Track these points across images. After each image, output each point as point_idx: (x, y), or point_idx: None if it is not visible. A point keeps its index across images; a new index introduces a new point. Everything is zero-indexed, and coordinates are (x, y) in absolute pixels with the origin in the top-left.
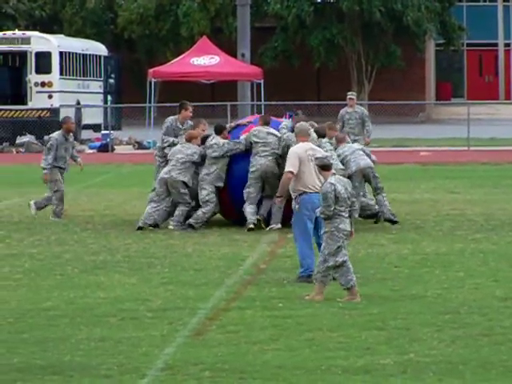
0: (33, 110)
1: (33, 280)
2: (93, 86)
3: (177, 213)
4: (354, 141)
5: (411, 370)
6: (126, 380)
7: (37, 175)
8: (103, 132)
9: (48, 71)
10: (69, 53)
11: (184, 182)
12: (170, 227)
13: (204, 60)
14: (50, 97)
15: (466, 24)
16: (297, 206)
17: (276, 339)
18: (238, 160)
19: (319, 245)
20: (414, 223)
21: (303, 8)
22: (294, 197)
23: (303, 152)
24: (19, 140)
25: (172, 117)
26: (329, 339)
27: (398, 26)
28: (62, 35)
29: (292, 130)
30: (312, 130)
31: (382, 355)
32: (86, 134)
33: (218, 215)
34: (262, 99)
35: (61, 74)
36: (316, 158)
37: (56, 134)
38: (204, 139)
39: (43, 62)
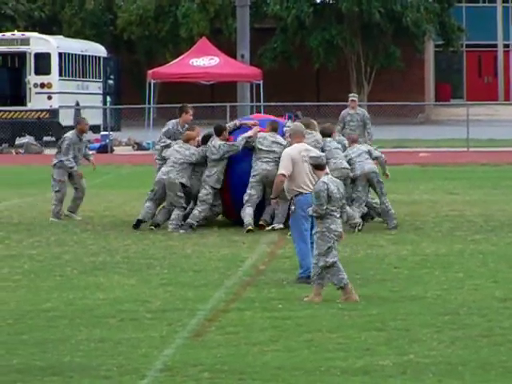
0: (32, 111)
1: (32, 281)
2: (92, 87)
3: (173, 216)
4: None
5: (411, 371)
6: (126, 381)
7: (36, 176)
8: (102, 133)
9: (47, 72)
10: (68, 54)
11: (182, 184)
12: (170, 230)
13: (203, 61)
14: (50, 98)
15: (466, 25)
16: (293, 208)
17: (275, 340)
18: (239, 160)
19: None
20: (413, 224)
21: (303, 9)
22: (289, 198)
23: (297, 153)
24: (18, 141)
25: (174, 120)
26: (328, 340)
27: (397, 27)
28: (61, 36)
29: None
30: (316, 131)
31: (381, 356)
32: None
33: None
34: (262, 100)
35: (60, 75)
36: (310, 157)
37: (70, 134)
38: (206, 140)
39: (42, 63)
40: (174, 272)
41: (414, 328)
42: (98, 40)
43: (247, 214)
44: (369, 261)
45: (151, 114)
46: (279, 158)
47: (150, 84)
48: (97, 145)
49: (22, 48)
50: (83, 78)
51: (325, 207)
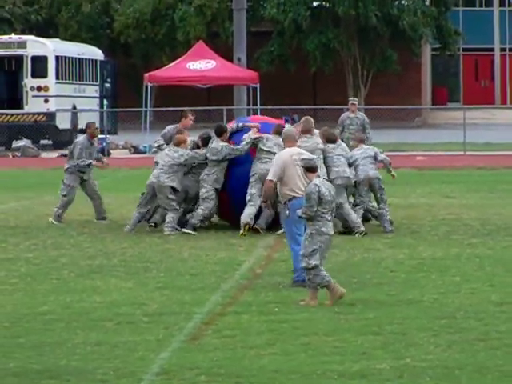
0: (29, 114)
1: (29, 284)
2: (89, 91)
3: (168, 219)
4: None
5: (407, 375)
6: None
7: (33, 179)
8: (99, 136)
9: (44, 75)
10: (65, 57)
11: (172, 187)
12: (166, 233)
13: (200, 64)
14: (46, 101)
15: (462, 29)
16: (287, 212)
17: (272, 344)
18: (239, 162)
19: None
20: (409, 228)
21: (299, 12)
22: (282, 202)
23: (288, 157)
24: (15, 144)
25: (172, 126)
26: (325, 344)
27: (393, 31)
28: (57, 39)
29: None
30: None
31: (378, 360)
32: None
33: (216, 218)
34: (258, 103)
35: (57, 78)
36: (301, 160)
37: (81, 139)
38: (206, 141)
39: (39, 66)
40: (171, 275)
41: (410, 332)
42: (94, 43)
43: (247, 213)
44: (365, 264)
45: (148, 117)
46: None
47: (146, 87)
48: None
49: (19, 51)
50: (80, 81)
51: (315, 209)
